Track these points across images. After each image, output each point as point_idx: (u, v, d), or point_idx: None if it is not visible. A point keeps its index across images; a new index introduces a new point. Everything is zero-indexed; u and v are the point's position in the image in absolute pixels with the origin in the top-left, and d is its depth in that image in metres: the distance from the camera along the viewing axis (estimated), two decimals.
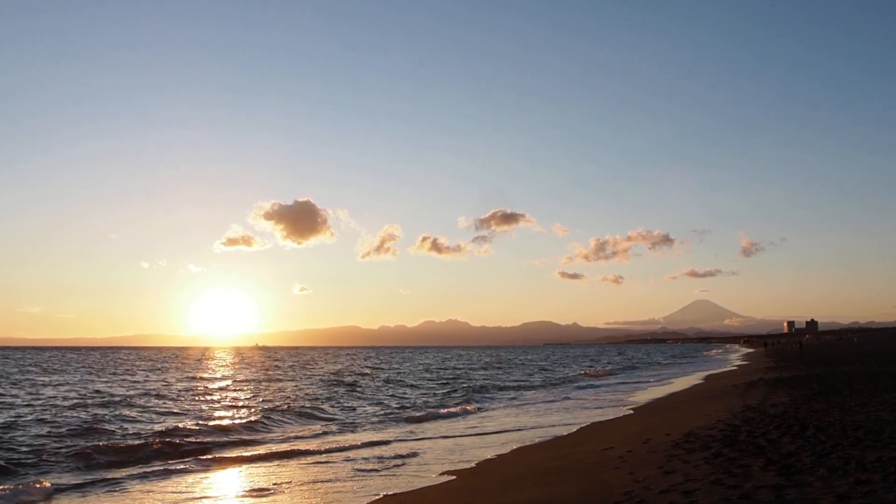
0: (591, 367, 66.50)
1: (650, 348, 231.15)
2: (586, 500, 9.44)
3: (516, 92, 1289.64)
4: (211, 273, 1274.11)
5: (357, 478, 13.26)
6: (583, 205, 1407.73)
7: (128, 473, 13.79)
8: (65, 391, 34.34)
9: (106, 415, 23.06)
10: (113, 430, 19.20)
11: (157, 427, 20.02)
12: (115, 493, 12.22)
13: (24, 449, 15.95)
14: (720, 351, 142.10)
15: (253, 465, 15.14)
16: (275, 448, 17.16)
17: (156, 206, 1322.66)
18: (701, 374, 48.24)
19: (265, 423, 21.53)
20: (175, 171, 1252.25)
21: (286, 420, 22.75)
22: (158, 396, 31.05)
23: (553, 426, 20.54)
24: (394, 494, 11.87)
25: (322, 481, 12.99)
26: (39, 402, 28.51)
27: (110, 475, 13.60)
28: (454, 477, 13.10)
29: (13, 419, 21.54)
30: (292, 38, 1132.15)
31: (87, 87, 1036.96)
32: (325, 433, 20.13)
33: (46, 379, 45.65)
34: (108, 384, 40.11)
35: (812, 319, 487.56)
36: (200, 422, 21.38)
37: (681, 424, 16.39)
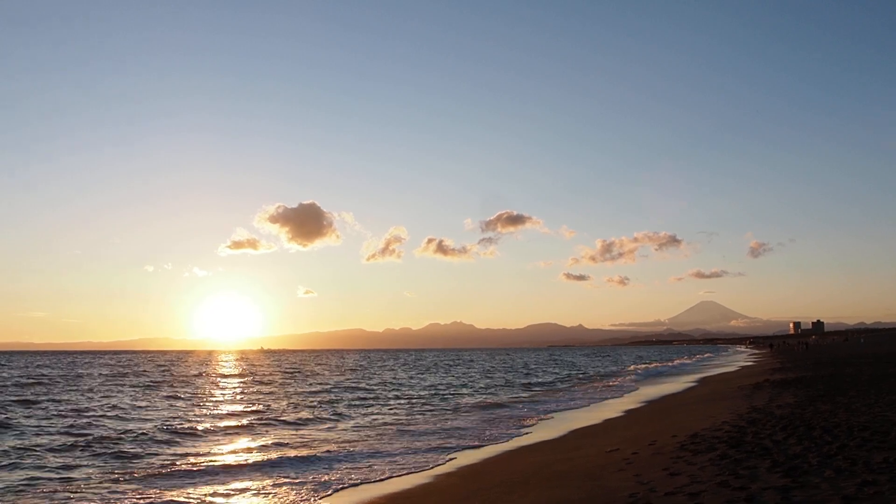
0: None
1: (655, 350, 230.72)
2: (590, 503, 9.41)
3: (523, 95, 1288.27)
4: (216, 276, 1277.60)
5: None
6: (589, 206, 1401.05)
7: None
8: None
9: None
10: None
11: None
12: None
13: None
14: (726, 352, 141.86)
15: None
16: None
17: (161, 211, 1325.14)
18: (706, 375, 48.11)
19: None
20: (180, 176, 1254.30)
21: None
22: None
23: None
24: (391, 494, 11.87)
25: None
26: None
27: None
28: (453, 478, 13.09)
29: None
30: (296, 43, 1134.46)
31: (91, 94, 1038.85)
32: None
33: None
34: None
35: (818, 320, 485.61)
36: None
37: (686, 426, 16.32)
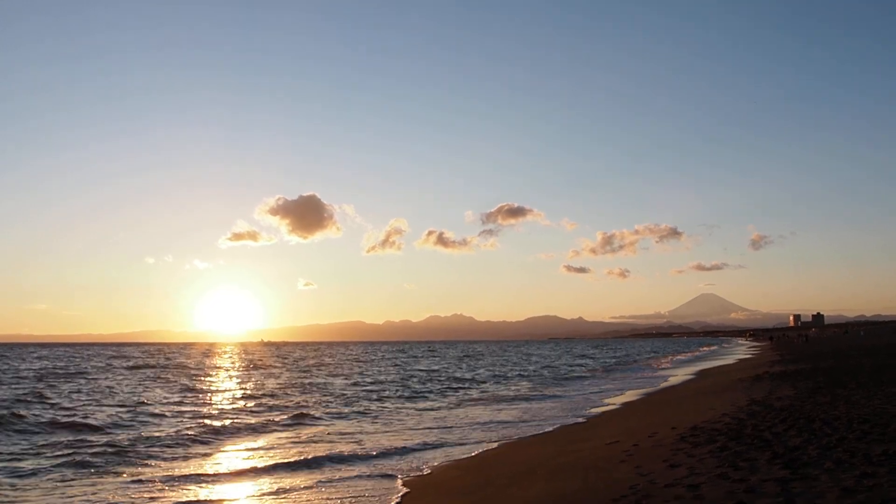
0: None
1: (656, 342, 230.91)
2: (591, 495, 9.47)
3: (523, 88, 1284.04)
4: (217, 269, 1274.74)
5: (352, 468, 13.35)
6: (590, 198, 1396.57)
7: None
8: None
9: None
10: None
11: None
12: None
13: None
14: (726, 345, 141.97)
15: None
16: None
17: (161, 203, 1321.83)
18: (705, 367, 48.19)
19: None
20: (181, 169, 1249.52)
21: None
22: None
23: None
24: (395, 484, 11.93)
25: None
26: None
27: None
28: (456, 470, 13.14)
29: None
30: (297, 37, 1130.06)
31: (91, 89, 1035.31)
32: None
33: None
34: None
35: (818, 313, 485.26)
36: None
37: (686, 418, 16.38)
